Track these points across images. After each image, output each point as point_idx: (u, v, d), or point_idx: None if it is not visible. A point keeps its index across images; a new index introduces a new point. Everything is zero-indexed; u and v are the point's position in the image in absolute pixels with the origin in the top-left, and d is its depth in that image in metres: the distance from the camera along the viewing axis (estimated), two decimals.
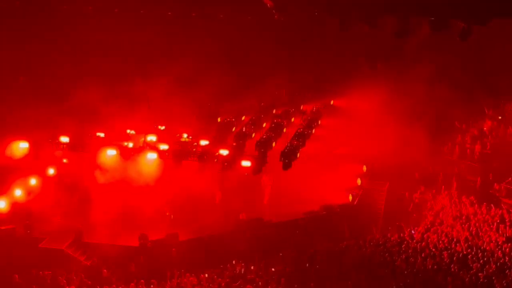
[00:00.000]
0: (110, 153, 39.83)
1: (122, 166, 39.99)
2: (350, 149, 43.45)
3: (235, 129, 44.60)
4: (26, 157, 39.91)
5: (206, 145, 41.17)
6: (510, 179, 41.12)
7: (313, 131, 44.37)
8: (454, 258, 32.44)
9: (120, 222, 38.49)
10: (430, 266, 31.83)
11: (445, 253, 33.08)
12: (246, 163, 38.73)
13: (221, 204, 41.68)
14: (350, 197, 42.11)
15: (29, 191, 39.00)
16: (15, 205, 38.46)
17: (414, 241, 35.68)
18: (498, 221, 36.68)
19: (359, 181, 43.67)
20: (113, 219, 38.57)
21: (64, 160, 41.13)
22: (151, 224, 38.38)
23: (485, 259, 32.13)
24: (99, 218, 38.76)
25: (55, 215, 39.42)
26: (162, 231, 37.86)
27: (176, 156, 40.07)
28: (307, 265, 33.69)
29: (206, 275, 33.06)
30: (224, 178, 41.44)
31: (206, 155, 39.91)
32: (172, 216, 40.28)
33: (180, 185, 40.23)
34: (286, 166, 39.26)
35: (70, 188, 40.44)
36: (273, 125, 44.00)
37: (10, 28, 45.17)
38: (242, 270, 33.65)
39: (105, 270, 33.89)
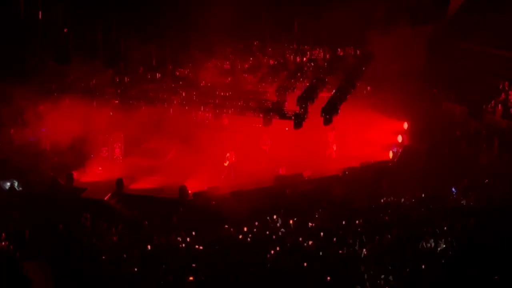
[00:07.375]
0: None
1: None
2: (392, 106, 43.19)
3: None
4: None
5: None
6: None
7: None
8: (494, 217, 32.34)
9: (161, 174, 38.83)
10: (471, 225, 31.70)
11: (485, 211, 32.96)
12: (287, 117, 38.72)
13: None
14: (391, 154, 42.00)
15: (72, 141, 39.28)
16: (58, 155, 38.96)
17: (454, 199, 35.59)
18: None
19: (399, 138, 43.48)
20: (154, 172, 38.98)
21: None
22: (194, 177, 38.57)
23: None
24: (141, 169, 39.19)
25: (96, 166, 39.83)
26: (205, 183, 37.97)
27: None
28: (343, 222, 33.71)
29: (245, 228, 33.24)
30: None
31: None
32: (227, 163, 40.26)
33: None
34: (327, 121, 39.16)
35: (111, 139, 40.75)
36: (314, 80, 43.81)
37: None
38: (281, 223, 33.76)
39: (145, 222, 34.13)
